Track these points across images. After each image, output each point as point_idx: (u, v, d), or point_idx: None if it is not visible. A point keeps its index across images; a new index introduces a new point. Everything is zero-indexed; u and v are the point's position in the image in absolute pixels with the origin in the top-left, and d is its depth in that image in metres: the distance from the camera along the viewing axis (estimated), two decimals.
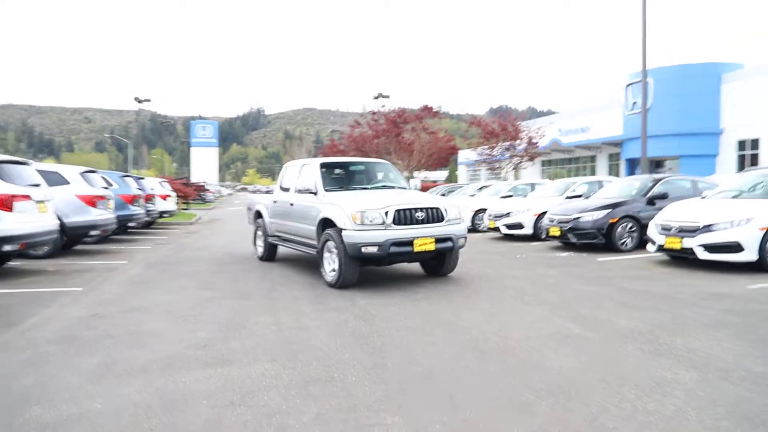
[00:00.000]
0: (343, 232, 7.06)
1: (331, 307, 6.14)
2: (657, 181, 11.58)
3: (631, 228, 10.81)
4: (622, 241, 10.74)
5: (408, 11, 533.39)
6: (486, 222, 14.95)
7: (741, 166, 26.10)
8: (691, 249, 8.23)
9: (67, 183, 10.71)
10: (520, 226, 13.53)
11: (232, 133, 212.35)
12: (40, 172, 9.60)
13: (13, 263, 9.38)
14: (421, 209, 7.31)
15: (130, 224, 14.19)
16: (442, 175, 62.00)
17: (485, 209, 15.57)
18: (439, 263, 8.07)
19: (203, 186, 44.07)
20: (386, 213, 7.06)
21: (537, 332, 5.02)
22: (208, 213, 29.82)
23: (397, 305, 6.22)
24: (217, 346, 4.66)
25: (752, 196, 8.86)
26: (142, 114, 52.33)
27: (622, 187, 12.23)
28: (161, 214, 19.18)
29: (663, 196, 10.97)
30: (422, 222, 7.26)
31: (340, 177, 8.97)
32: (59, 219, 9.31)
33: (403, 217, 7.14)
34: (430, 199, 7.80)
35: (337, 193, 7.95)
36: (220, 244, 13.36)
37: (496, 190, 18.18)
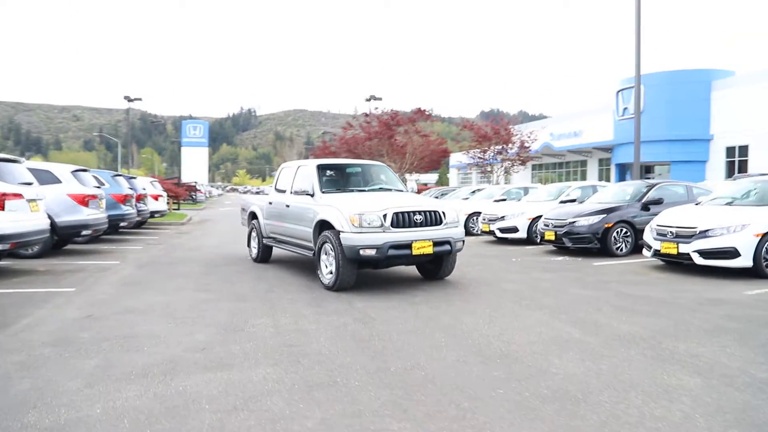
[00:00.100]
0: (341, 235, 7.01)
1: (329, 310, 6.07)
2: (651, 186, 11.65)
3: (625, 233, 10.85)
4: (617, 245, 10.78)
5: (398, 15, 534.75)
6: (480, 225, 14.96)
7: (730, 173, 26.37)
8: (688, 254, 8.26)
9: (59, 182, 10.56)
10: (514, 229, 13.54)
11: (222, 134, 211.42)
12: (32, 170, 9.47)
13: (2, 263, 9.22)
14: (420, 212, 7.27)
15: (122, 224, 14.02)
16: (432, 178, 62.11)
17: (479, 212, 15.59)
18: (436, 266, 8.03)
19: (194, 186, 43.74)
20: (384, 216, 7.02)
21: (538, 337, 5.00)
22: (199, 213, 29.60)
23: (395, 308, 6.17)
24: (216, 349, 4.58)
25: (746, 203, 8.92)
26: (131, 113, 51.91)
27: (617, 192, 12.29)
28: (152, 214, 19.00)
29: (657, 202, 11.03)
30: (420, 225, 7.22)
31: (336, 179, 8.91)
32: (50, 218, 9.18)
33: (402, 220, 7.10)
34: (428, 202, 7.77)
35: (334, 195, 7.90)
36: (212, 245, 13.24)
37: (489, 193, 18.21)
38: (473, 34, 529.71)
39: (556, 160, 41.20)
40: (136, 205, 14.80)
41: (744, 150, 27.02)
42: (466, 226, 16.03)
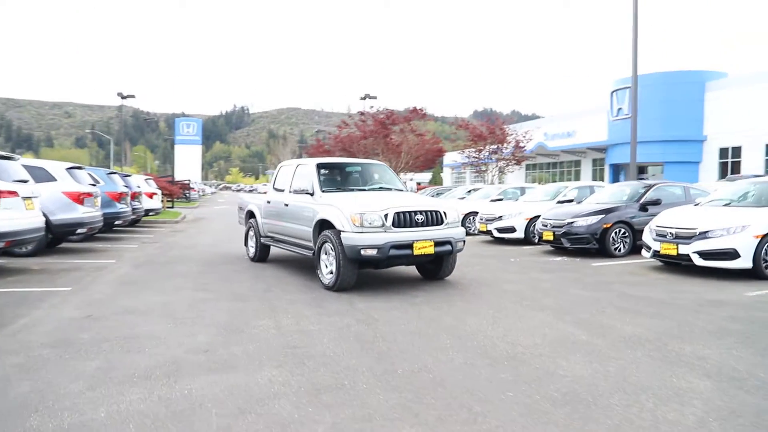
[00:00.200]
0: (342, 234, 6.94)
1: (331, 311, 6.01)
2: (649, 187, 11.66)
3: (623, 233, 10.86)
4: (615, 246, 10.78)
5: (392, 14, 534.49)
6: (477, 225, 14.93)
7: (723, 174, 26.52)
8: (688, 255, 8.27)
9: (54, 179, 10.41)
10: (512, 229, 13.52)
11: (215, 131, 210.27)
12: (26, 167, 9.33)
13: None
14: (421, 212, 7.22)
15: (117, 222, 13.88)
16: (425, 177, 62.06)
17: (476, 212, 15.55)
18: (436, 266, 7.99)
19: (188, 184, 43.47)
20: (386, 215, 6.96)
21: (543, 338, 4.96)
22: (193, 211, 29.41)
23: (397, 309, 6.12)
24: (218, 351, 4.51)
25: (744, 204, 8.95)
26: (124, 110, 51.52)
27: (614, 193, 12.30)
28: (147, 212, 18.83)
29: (655, 202, 11.04)
30: (422, 225, 7.17)
31: (336, 178, 8.85)
32: (45, 216, 9.05)
33: (403, 220, 7.05)
34: (429, 202, 7.73)
35: (334, 194, 7.83)
36: (208, 243, 13.14)
37: (485, 193, 18.19)
38: (466, 33, 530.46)
39: (550, 160, 41.30)
40: (130, 203, 14.66)
41: (737, 151, 27.17)
42: (462, 225, 15.99)
